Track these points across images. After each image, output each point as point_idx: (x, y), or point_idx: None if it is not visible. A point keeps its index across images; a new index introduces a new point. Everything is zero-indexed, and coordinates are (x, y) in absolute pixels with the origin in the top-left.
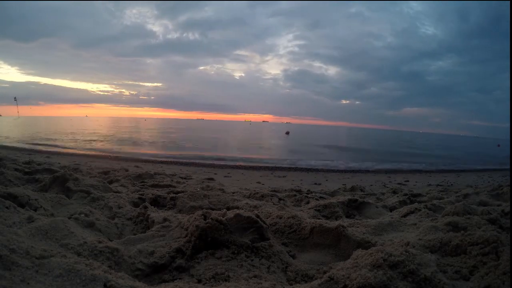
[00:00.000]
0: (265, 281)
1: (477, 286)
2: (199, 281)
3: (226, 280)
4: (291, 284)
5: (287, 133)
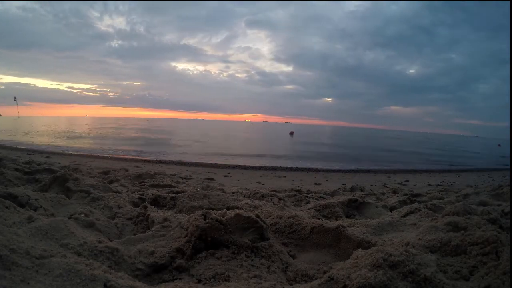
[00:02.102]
0: (265, 281)
1: (477, 286)
2: (199, 281)
3: (226, 280)
4: (291, 284)
5: (291, 133)
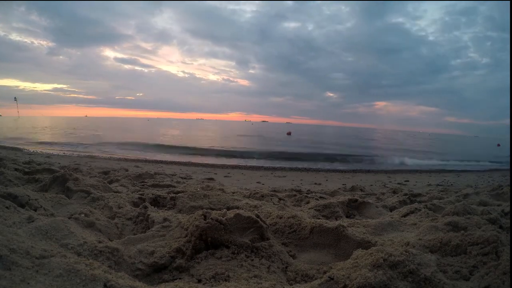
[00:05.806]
0: (265, 281)
1: (477, 286)
2: (199, 281)
3: (226, 280)
4: (291, 284)
5: (289, 133)
